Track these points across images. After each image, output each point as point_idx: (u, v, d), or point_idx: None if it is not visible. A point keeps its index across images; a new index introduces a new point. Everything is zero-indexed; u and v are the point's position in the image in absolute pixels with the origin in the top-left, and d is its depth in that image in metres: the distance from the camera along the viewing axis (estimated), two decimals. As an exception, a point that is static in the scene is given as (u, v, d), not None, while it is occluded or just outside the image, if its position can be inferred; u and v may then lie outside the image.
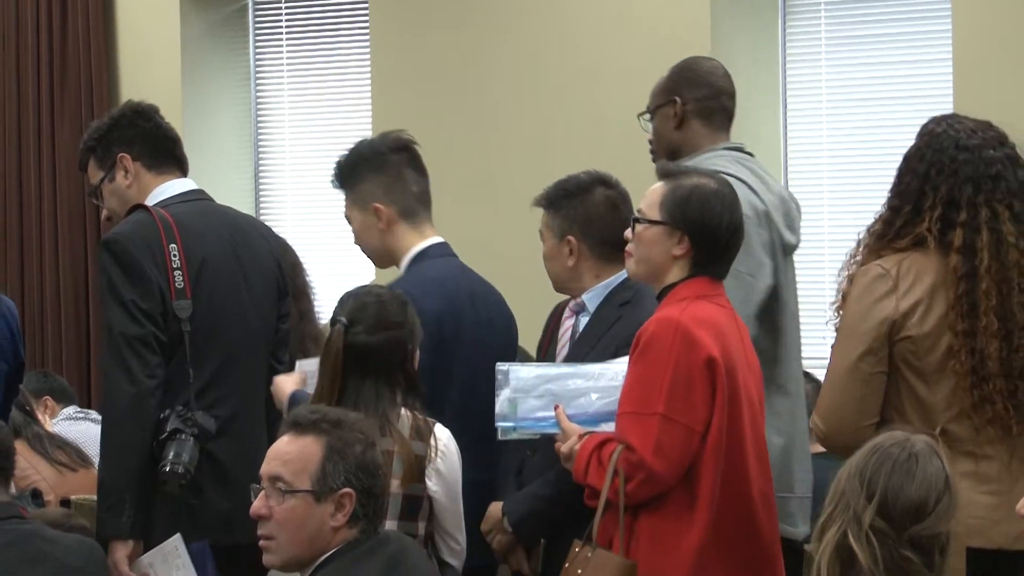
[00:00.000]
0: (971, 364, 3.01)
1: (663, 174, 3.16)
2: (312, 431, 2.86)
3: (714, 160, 3.67)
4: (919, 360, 3.04)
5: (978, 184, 3.01)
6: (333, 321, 3.24)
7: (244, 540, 3.29)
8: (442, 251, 3.70)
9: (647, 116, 3.79)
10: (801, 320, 3.88)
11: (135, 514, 3.37)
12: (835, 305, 3.19)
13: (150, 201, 3.54)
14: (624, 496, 2.97)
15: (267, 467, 2.87)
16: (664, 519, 3.01)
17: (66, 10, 6.23)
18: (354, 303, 3.26)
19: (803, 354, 3.89)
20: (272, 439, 3.02)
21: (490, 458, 3.46)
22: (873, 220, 3.11)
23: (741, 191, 3.43)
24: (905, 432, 2.70)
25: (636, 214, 3.14)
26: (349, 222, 3.67)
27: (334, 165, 3.68)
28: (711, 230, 3.09)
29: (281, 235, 4.18)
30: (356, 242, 3.73)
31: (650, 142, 3.73)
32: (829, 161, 5.38)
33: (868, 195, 3.39)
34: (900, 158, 3.11)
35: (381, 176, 3.60)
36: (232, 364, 3.57)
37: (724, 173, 3.46)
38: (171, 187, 3.61)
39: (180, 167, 3.68)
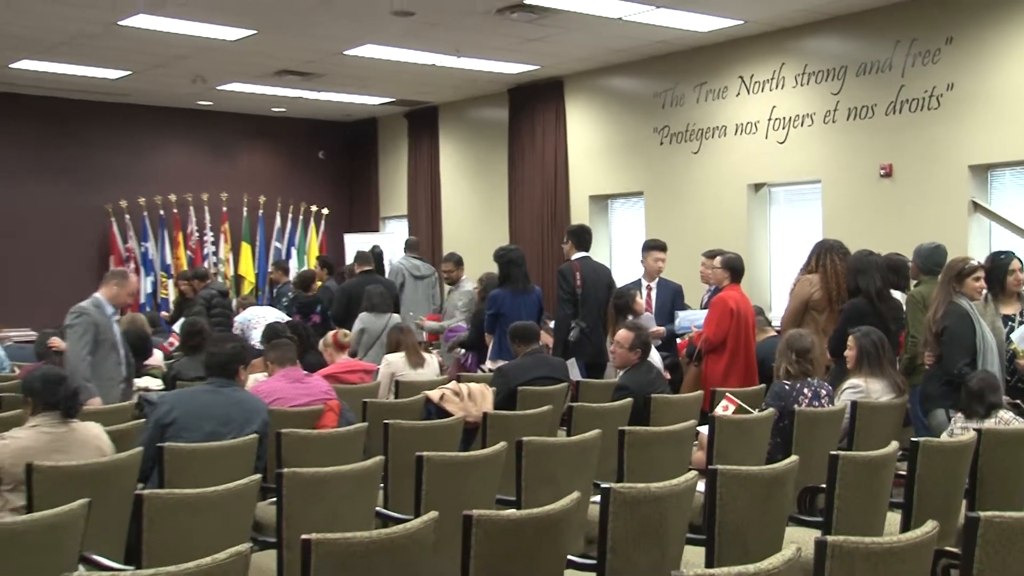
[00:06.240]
0: (831, 306, 7.10)
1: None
2: None
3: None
4: (817, 308, 7.19)
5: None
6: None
7: (583, 359, 7.98)
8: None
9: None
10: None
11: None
12: (791, 291, 7.42)
13: (574, 258, 8.46)
14: (704, 348, 7.58)
15: None
16: (715, 357, 7.50)
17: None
18: None
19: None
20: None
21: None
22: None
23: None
24: (800, 331, 6.24)
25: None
26: None
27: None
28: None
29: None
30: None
31: None
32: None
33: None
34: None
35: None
36: (594, 308, 8.30)
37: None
38: (579, 255, 8.47)
39: (584, 247, 8.49)
